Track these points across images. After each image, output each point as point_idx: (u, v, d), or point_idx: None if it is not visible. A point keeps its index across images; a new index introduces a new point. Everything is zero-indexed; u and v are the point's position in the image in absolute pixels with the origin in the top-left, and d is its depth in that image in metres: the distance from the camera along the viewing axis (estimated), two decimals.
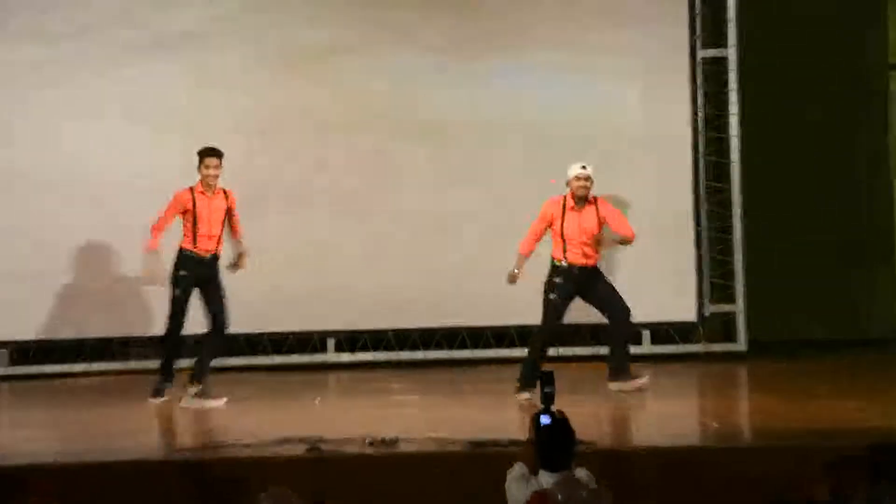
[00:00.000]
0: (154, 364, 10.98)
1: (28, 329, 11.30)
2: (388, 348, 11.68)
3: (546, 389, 5.78)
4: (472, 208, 11.67)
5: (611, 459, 7.35)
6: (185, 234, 9.74)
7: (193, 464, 7.49)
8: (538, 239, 9.81)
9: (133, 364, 11.39)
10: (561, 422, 5.72)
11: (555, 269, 9.73)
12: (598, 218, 9.73)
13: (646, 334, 11.73)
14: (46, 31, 11.40)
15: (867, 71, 12.53)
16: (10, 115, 11.39)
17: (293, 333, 11.59)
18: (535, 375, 9.44)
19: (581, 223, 9.69)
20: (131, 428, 8.98)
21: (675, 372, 11.02)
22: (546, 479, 5.63)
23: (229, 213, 9.82)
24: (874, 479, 5.72)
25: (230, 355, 11.21)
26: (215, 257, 9.79)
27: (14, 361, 11.41)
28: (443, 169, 11.71)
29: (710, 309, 11.95)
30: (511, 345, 11.68)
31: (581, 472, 5.78)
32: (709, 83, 12.00)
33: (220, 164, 9.73)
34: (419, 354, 11.67)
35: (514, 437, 7.40)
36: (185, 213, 9.72)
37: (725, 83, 11.95)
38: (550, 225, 9.74)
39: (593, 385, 9.89)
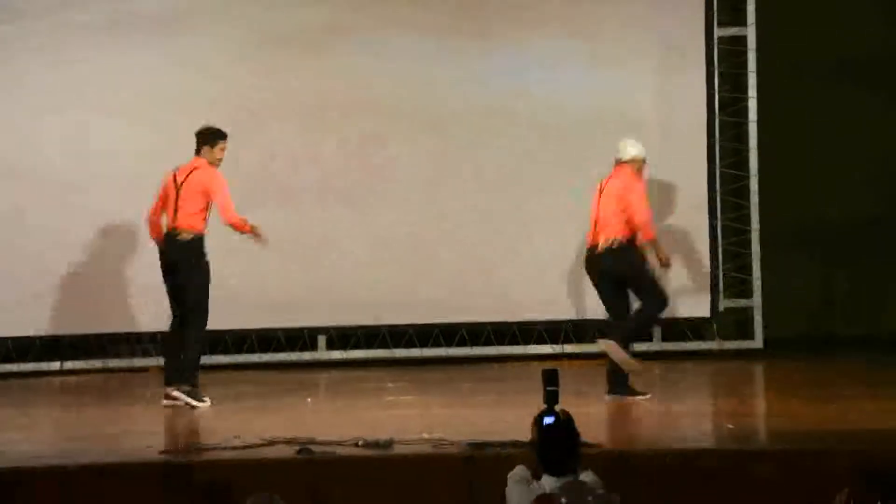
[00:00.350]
0: (136, 363, 11.11)
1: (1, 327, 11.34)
2: (382, 345, 11.73)
3: (549, 388, 5.81)
4: (470, 198, 11.71)
5: (619, 462, 7.38)
6: (204, 219, 9.63)
7: (178, 466, 7.52)
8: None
9: (112, 363, 11.43)
10: (565, 422, 5.76)
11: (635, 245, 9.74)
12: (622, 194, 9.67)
13: (657, 331, 11.77)
14: (14, 7, 11.40)
15: (883, 56, 12.53)
16: None
17: (282, 330, 11.62)
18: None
19: (605, 193, 9.71)
20: (113, 430, 9.03)
21: (688, 370, 11.08)
22: (549, 483, 5.65)
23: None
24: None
25: (217, 353, 11.30)
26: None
27: None
28: (441, 159, 11.74)
29: (725, 304, 12.00)
30: (512, 342, 11.73)
31: (587, 476, 5.80)
32: (725, 64, 12.03)
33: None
34: (415, 352, 11.72)
35: (515, 438, 7.43)
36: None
37: (743, 64, 11.98)
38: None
39: (601, 384, 9.92)
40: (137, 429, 8.94)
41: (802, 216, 12.34)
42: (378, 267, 11.61)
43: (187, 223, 9.54)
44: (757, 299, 11.99)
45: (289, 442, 7.86)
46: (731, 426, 8.66)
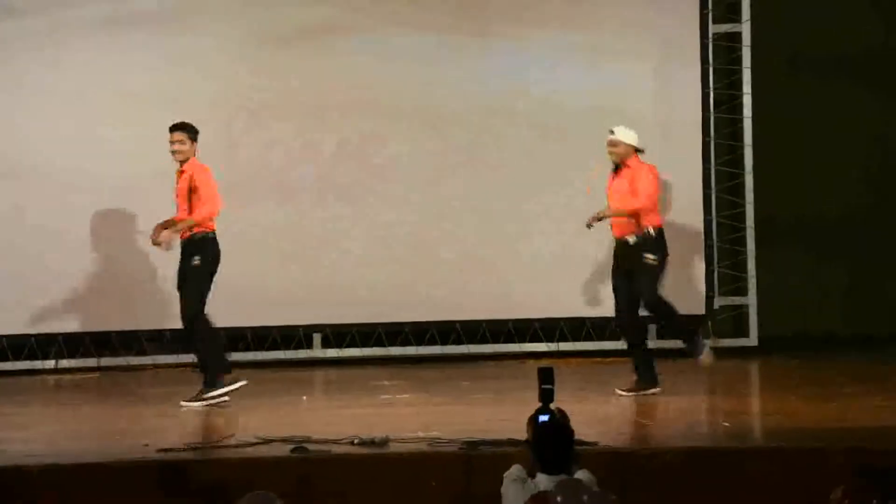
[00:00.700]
0: (133, 361, 11.07)
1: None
2: (378, 344, 11.69)
3: (545, 386, 5.78)
4: (470, 197, 11.69)
5: (615, 460, 7.37)
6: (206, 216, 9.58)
7: (174, 465, 7.49)
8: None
9: (105, 361, 11.39)
10: (560, 420, 5.72)
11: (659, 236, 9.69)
12: (630, 183, 9.60)
13: (652, 329, 11.72)
14: (14, 6, 11.33)
15: (879, 51, 12.51)
16: None
17: (277, 328, 11.59)
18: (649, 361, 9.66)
19: (613, 189, 9.66)
20: (108, 427, 9.01)
21: (683, 368, 11.00)
22: (544, 482, 5.63)
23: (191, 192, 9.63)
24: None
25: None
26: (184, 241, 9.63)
27: None
28: (439, 156, 11.71)
29: (720, 301, 11.97)
30: (508, 340, 11.70)
31: (582, 474, 5.78)
32: (720, 61, 12.01)
33: (182, 138, 9.59)
34: (411, 350, 11.69)
35: (511, 436, 7.39)
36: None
37: (738, 61, 11.95)
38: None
39: (597, 382, 9.90)
40: (134, 427, 8.91)
41: (798, 213, 12.32)
42: (377, 266, 11.58)
43: None
44: (752, 297, 11.96)
45: (284, 440, 7.84)
46: (727, 424, 8.65)
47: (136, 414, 9.43)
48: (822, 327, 12.32)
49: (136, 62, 11.36)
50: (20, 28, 11.30)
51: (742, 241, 11.99)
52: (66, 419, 9.47)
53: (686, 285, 11.73)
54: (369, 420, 8.60)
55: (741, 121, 11.99)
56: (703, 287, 11.87)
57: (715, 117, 11.94)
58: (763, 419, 9.25)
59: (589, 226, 9.66)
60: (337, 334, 11.70)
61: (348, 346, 11.69)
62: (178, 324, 9.75)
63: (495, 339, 11.73)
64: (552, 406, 5.81)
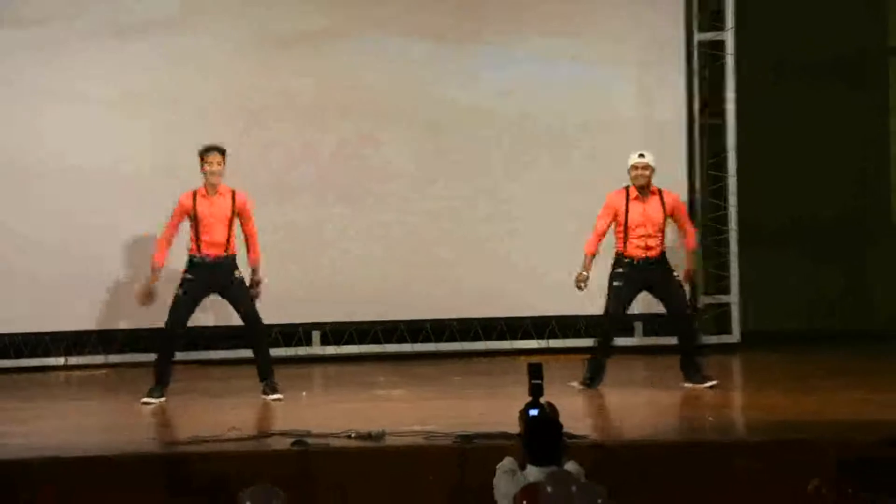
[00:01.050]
0: (133, 358, 11.09)
1: (5, 320, 11.29)
2: (374, 341, 11.74)
3: (534, 381, 5.84)
4: (464, 198, 11.72)
5: (603, 453, 7.41)
6: (191, 238, 9.61)
7: (176, 458, 7.54)
8: (604, 235, 9.82)
9: (113, 358, 11.42)
10: (548, 414, 5.79)
11: (617, 261, 9.80)
12: (664, 207, 9.79)
13: (638, 326, 11.81)
14: (21, 16, 11.32)
15: (867, 54, 12.61)
16: None
17: (278, 326, 11.61)
18: (600, 369, 9.63)
19: (646, 211, 9.76)
20: (112, 422, 9.06)
21: (669, 364, 11.05)
22: (534, 473, 5.69)
23: (240, 217, 9.66)
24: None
25: (214, 349, 11.31)
26: (227, 259, 9.63)
27: None
28: (432, 158, 11.74)
29: (704, 300, 12.03)
30: (500, 337, 11.75)
31: (571, 466, 5.84)
32: (705, 68, 12.07)
33: (223, 160, 9.58)
34: (406, 347, 11.73)
35: (503, 430, 7.45)
36: (189, 217, 9.59)
37: (722, 68, 12.01)
38: (616, 217, 9.79)
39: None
40: (137, 422, 8.95)
41: (780, 215, 12.40)
42: (375, 265, 11.61)
43: None
44: (735, 295, 12.02)
45: (284, 434, 7.88)
46: (711, 418, 8.68)
47: (139, 409, 9.45)
48: (802, 324, 12.40)
49: (137, 63, 11.35)
50: (21, 27, 11.26)
51: (725, 243, 12.05)
52: (71, 414, 9.48)
53: None
54: (366, 414, 8.64)
55: (725, 126, 12.04)
56: (688, 286, 11.89)
57: (700, 122, 12.01)
58: (745, 413, 9.31)
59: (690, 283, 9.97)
60: (335, 332, 11.73)
61: (346, 343, 11.73)
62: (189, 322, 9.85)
63: (488, 337, 11.78)
64: (542, 400, 5.87)
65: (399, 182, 11.71)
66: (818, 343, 11.87)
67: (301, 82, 11.58)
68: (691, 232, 10.07)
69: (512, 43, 11.79)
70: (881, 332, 12.27)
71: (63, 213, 11.21)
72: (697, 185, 11.96)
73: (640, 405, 9.42)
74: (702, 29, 12.03)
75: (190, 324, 9.84)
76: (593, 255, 9.80)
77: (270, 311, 11.33)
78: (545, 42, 11.79)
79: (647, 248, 9.75)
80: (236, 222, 9.67)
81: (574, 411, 8.72)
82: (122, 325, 11.34)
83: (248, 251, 9.76)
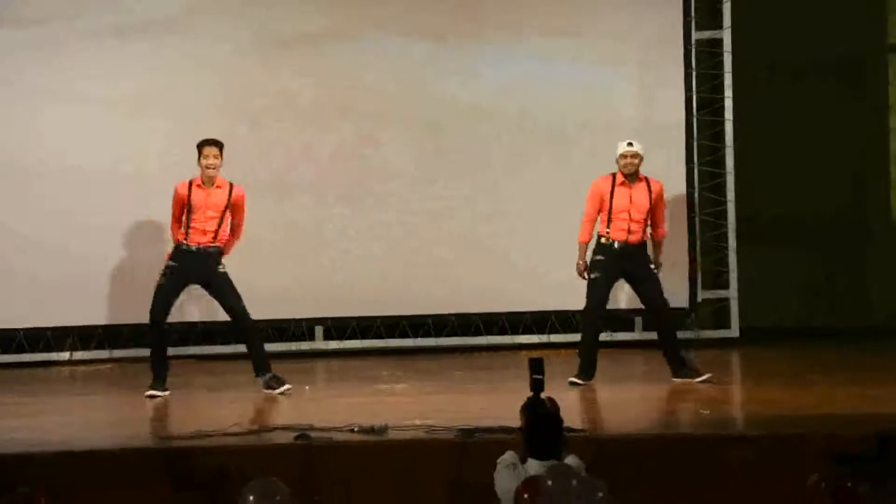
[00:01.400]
0: (137, 353, 11.06)
1: (9, 318, 11.26)
2: (377, 336, 11.71)
3: (535, 376, 5.82)
4: (462, 196, 11.70)
5: (603, 447, 7.39)
6: (181, 226, 9.65)
7: (180, 452, 7.51)
8: (594, 220, 9.77)
9: (118, 353, 11.40)
10: (549, 409, 5.76)
11: (598, 247, 9.76)
12: (651, 194, 9.76)
13: (637, 320, 11.80)
14: (21, 16, 11.30)
15: (865, 52, 12.57)
16: None
17: (281, 321, 11.59)
18: (591, 361, 9.56)
19: (633, 197, 9.72)
20: (115, 416, 9.03)
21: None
22: (535, 467, 5.67)
23: (232, 207, 9.67)
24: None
25: (220, 344, 11.28)
26: (212, 250, 9.62)
27: None
28: (432, 157, 11.73)
29: (703, 295, 12.01)
30: (501, 332, 11.75)
31: (571, 460, 5.82)
32: (703, 66, 12.04)
33: (220, 154, 9.62)
34: (408, 342, 11.71)
35: (505, 424, 7.42)
36: (183, 206, 9.62)
37: (720, 66, 11.98)
38: (601, 202, 9.75)
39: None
40: (141, 416, 8.93)
41: (776, 211, 12.38)
42: (376, 263, 11.60)
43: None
44: (733, 290, 12.00)
45: (287, 428, 7.86)
46: (706, 412, 8.64)
47: (142, 403, 9.44)
48: (799, 319, 12.39)
49: (137, 63, 11.34)
50: (21, 27, 11.25)
51: (724, 238, 12.04)
52: (76, 409, 9.46)
53: (671, 280, 11.73)
54: (369, 409, 8.63)
55: (723, 123, 12.02)
56: (687, 281, 11.90)
57: (698, 120, 11.99)
58: (744, 407, 9.28)
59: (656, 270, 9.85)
60: (338, 327, 11.72)
61: (349, 338, 11.71)
62: (185, 317, 9.79)
63: (489, 332, 11.78)
64: (543, 395, 5.84)
65: (399, 182, 11.68)
66: (816, 339, 11.88)
67: (301, 82, 11.56)
68: (663, 222, 9.92)
69: (512, 42, 11.78)
70: (879, 328, 12.27)
71: (63, 213, 11.21)
72: (696, 181, 11.92)
73: (637, 400, 9.41)
74: (699, 27, 12.01)
75: (188, 319, 9.82)
76: (587, 244, 9.79)
77: (273, 307, 11.38)
78: (545, 41, 11.78)
79: (630, 231, 9.71)
80: (228, 215, 9.68)
81: (573, 406, 8.71)
82: (124, 320, 11.29)
83: (228, 236, 9.73)
